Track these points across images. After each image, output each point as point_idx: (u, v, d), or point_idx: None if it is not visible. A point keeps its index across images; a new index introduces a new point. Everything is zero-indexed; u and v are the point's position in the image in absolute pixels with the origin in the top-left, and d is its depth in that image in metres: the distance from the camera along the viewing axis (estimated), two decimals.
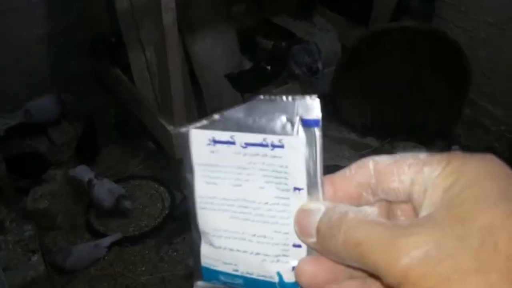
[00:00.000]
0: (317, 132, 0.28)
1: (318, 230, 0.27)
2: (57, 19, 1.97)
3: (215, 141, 0.30)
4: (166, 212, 1.75)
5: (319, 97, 0.29)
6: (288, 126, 0.29)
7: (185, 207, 1.34)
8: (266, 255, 0.30)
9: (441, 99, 1.90)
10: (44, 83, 2.04)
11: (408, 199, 0.27)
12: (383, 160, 0.28)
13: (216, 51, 2.05)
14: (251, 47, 2.22)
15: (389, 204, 0.29)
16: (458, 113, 1.95)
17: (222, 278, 0.32)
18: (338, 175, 0.29)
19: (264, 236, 0.30)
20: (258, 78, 1.77)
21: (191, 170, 0.31)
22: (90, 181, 1.67)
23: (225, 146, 0.30)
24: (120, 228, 1.70)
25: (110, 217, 1.72)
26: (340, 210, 0.26)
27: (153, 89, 1.92)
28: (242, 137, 0.29)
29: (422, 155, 0.26)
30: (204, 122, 0.30)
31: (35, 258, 1.46)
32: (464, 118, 1.99)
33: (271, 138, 0.29)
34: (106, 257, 1.62)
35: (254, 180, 0.29)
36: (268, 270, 0.30)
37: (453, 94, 1.89)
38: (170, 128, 1.65)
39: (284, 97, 0.29)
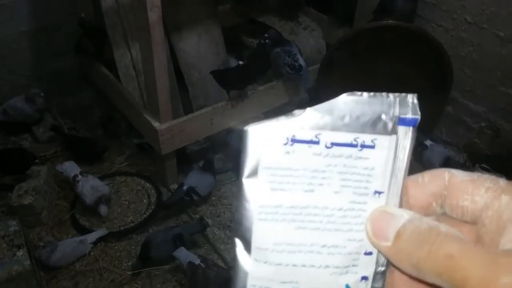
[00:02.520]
0: (413, 132, 0.27)
1: (399, 235, 0.26)
2: (42, 16, 2.00)
3: (294, 140, 0.27)
4: (152, 207, 1.79)
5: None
6: (384, 124, 0.27)
7: (177, 197, 1.41)
8: (337, 267, 0.28)
9: (423, 97, 1.96)
10: (29, 80, 2.07)
11: (474, 222, 0.27)
12: (459, 174, 0.27)
13: (202, 49, 2.10)
14: (237, 46, 2.27)
15: (448, 220, 0.28)
16: (439, 110, 2.03)
17: None
18: (411, 181, 0.28)
19: (336, 246, 0.28)
20: (244, 75, 1.82)
21: (253, 174, 0.27)
22: (75, 176, 1.71)
23: (305, 146, 0.27)
24: (106, 224, 1.73)
25: (93, 213, 1.75)
26: (428, 222, 0.26)
27: (138, 86, 1.97)
28: (329, 136, 0.27)
29: (502, 181, 0.26)
30: (282, 118, 0.27)
31: (20, 253, 1.48)
32: (446, 116, 2.06)
33: (363, 138, 0.27)
34: (91, 253, 1.66)
35: (330, 184, 0.27)
36: (336, 283, 0.28)
37: (434, 92, 1.96)
38: (156, 124, 1.70)
39: (382, 94, 0.28)
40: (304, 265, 0.28)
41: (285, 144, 0.27)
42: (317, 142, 0.27)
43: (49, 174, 1.82)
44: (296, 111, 0.27)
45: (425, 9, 2.01)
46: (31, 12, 1.98)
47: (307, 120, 0.27)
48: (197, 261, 1.47)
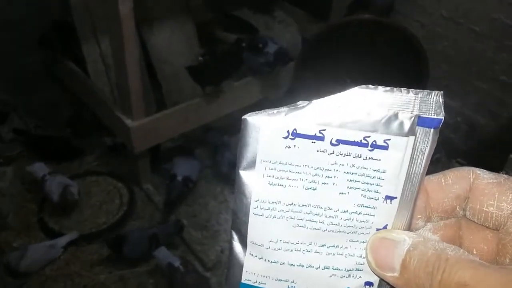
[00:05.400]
0: (434, 134, 0.25)
1: (405, 264, 0.24)
2: (6, 9, 1.95)
3: (296, 134, 0.26)
4: (125, 208, 1.77)
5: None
6: (400, 123, 0.25)
7: (177, 191, 1.39)
8: (337, 269, 0.27)
9: None
10: None
11: (496, 228, 0.26)
12: (484, 176, 0.26)
13: (174, 44, 2.09)
14: (211, 41, 2.26)
15: (468, 224, 0.28)
16: None
17: None
18: (432, 183, 0.27)
19: (336, 247, 0.27)
20: (219, 71, 1.82)
21: (250, 167, 0.26)
22: (44, 176, 1.67)
23: (308, 141, 0.26)
24: (77, 225, 1.70)
25: (62, 212, 1.72)
26: (434, 246, 0.24)
27: (108, 82, 1.94)
28: (335, 133, 0.25)
29: None
30: (283, 109, 0.26)
31: None
32: None
33: (375, 137, 0.25)
34: (61, 257, 1.63)
35: (335, 183, 0.26)
36: (336, 286, 0.28)
37: (411, 86, 1.99)
38: (128, 122, 1.68)
39: (400, 89, 0.26)
40: (301, 265, 0.27)
41: (285, 137, 0.26)
42: (321, 138, 0.25)
43: (15, 175, 1.78)
44: (301, 102, 0.26)
45: (402, 4, 2.04)
46: None
47: (311, 113, 0.25)
48: (177, 263, 1.46)
